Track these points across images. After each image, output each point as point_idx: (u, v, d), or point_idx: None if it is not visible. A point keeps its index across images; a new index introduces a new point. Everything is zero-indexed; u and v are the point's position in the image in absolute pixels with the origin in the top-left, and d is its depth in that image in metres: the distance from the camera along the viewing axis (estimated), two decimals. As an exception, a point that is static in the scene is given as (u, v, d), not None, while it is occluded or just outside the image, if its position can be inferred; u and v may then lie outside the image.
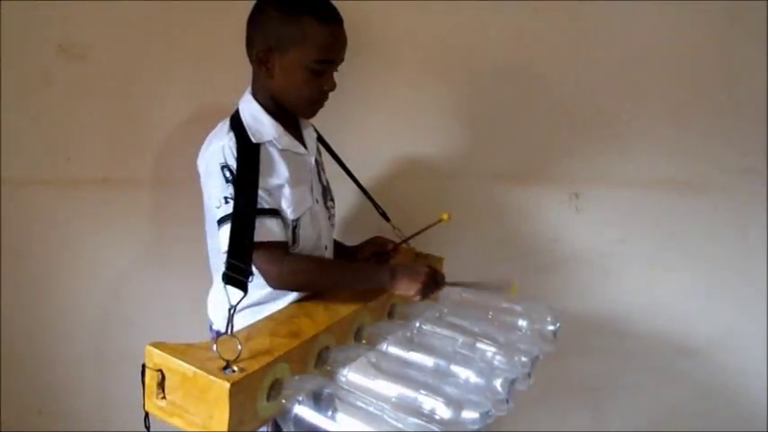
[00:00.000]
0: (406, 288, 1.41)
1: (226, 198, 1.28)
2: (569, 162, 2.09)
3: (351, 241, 1.74)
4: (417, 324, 1.45)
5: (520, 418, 2.07)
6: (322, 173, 1.56)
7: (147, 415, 1.10)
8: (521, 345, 1.41)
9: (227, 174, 1.29)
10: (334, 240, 1.65)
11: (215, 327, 1.48)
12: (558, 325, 1.52)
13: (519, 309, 1.56)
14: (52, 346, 2.00)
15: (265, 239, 1.29)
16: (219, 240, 1.29)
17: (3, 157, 1.85)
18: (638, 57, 2.01)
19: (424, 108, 2.03)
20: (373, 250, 1.62)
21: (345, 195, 1.70)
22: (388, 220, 1.73)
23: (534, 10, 1.96)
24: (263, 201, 1.31)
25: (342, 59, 1.39)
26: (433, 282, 1.43)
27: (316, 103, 1.41)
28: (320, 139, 1.63)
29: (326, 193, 1.55)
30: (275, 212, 1.33)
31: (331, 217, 1.55)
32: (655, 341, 2.16)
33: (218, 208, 1.29)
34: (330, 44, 1.34)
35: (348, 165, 1.70)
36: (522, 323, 1.53)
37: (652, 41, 2.00)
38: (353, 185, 1.73)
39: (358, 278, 1.46)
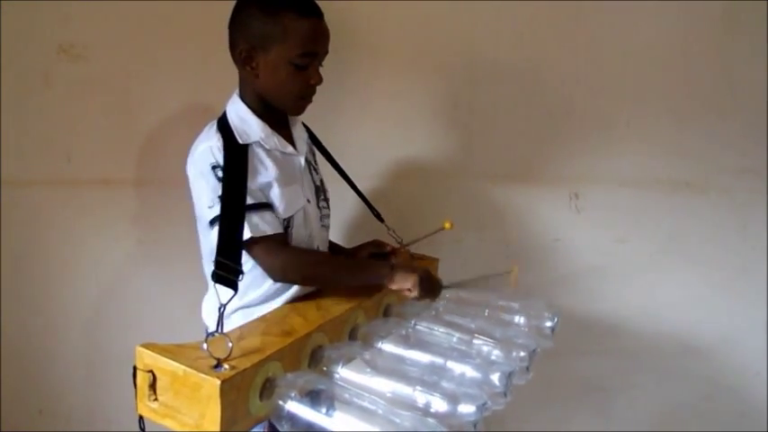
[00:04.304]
0: (403, 281, 1.38)
1: (220, 198, 1.26)
2: (569, 162, 2.09)
3: (352, 244, 1.74)
4: (413, 322, 1.44)
5: (521, 419, 2.06)
6: (314, 172, 1.55)
7: (141, 418, 1.09)
8: (518, 339, 1.39)
9: (219, 173, 1.28)
10: (331, 242, 1.64)
11: (210, 331, 1.47)
12: (556, 320, 1.50)
13: (516, 306, 1.54)
14: (52, 346, 2.00)
15: (258, 234, 1.28)
16: (212, 241, 1.25)
17: (3, 157, 1.85)
18: (638, 57, 2.01)
19: (422, 108, 2.03)
20: (371, 251, 1.61)
21: (345, 197, 1.70)
22: (382, 221, 1.72)
23: (534, 10, 1.96)
24: (251, 196, 1.29)
25: (326, 52, 1.39)
26: (428, 281, 1.41)
27: (304, 98, 1.41)
28: (313, 140, 1.62)
29: (319, 193, 1.53)
30: (265, 206, 1.32)
31: (324, 217, 1.53)
32: (655, 341, 2.16)
33: (211, 208, 1.29)
34: (312, 37, 1.33)
35: (346, 166, 1.69)
36: (520, 320, 1.51)
37: (652, 42, 2.00)
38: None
39: (357, 271, 1.46)
